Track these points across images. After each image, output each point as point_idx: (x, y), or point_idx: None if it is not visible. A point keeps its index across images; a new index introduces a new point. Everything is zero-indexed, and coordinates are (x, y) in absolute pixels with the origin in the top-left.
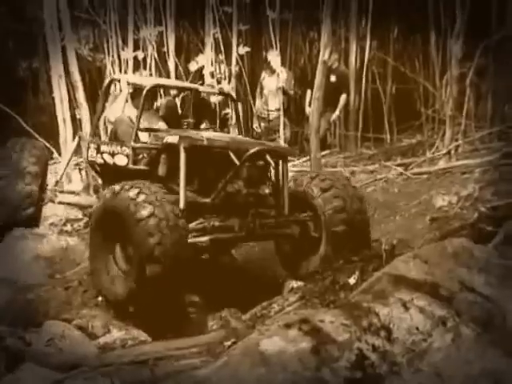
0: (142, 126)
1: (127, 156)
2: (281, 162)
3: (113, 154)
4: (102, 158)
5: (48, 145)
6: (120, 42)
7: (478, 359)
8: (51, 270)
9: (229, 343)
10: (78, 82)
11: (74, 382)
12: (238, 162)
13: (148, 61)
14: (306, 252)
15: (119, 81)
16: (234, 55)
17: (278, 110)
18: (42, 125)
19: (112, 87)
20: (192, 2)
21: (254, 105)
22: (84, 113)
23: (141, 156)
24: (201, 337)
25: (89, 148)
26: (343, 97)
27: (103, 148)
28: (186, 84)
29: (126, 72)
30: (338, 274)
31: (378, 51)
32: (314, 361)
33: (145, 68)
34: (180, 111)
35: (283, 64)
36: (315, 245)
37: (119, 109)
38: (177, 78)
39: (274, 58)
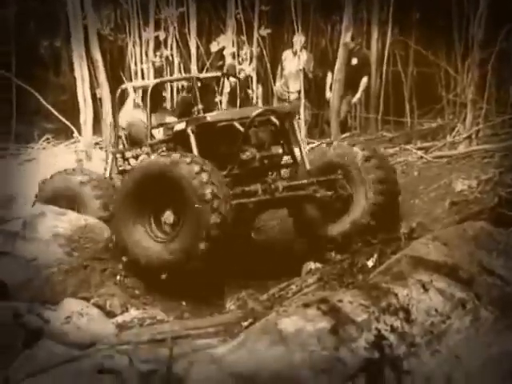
0: (153, 122)
1: (148, 154)
2: (287, 121)
3: (136, 157)
4: (129, 163)
5: (69, 123)
6: (141, 22)
7: (496, 342)
8: (70, 247)
9: (246, 323)
10: (99, 62)
11: (91, 359)
12: (242, 129)
13: (169, 41)
14: (332, 215)
15: (126, 88)
16: (256, 36)
17: (299, 91)
18: (63, 103)
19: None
20: None
21: (275, 85)
22: (105, 92)
23: (159, 151)
24: (218, 317)
25: (116, 159)
26: (364, 80)
27: (127, 154)
28: (186, 75)
29: (146, 53)
30: (357, 256)
31: (400, 35)
32: (333, 340)
33: (166, 48)
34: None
35: (305, 46)
36: (343, 208)
37: (129, 113)
38: (198, 58)
39: (296, 40)
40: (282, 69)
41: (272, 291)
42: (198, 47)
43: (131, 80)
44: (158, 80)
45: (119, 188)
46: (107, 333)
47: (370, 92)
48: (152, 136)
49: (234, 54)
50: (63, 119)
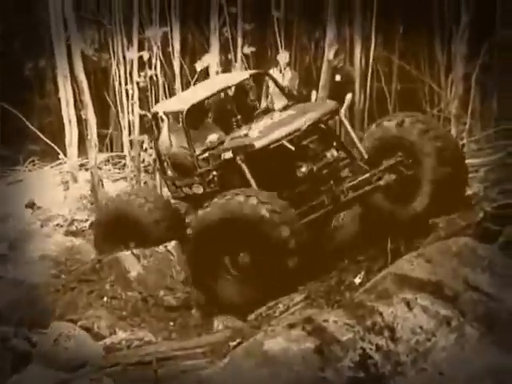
0: (197, 151)
1: (200, 184)
2: (333, 119)
3: (189, 186)
4: (182, 191)
5: (54, 145)
6: (125, 42)
7: (481, 359)
8: (57, 269)
9: (234, 343)
10: (84, 83)
11: (79, 382)
12: (293, 148)
13: (153, 61)
14: (407, 196)
15: (157, 113)
16: (240, 55)
17: (285, 107)
18: (48, 125)
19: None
20: (197, 1)
21: (260, 104)
22: (90, 113)
23: (210, 176)
24: (206, 337)
25: (167, 185)
26: (348, 96)
27: (178, 183)
28: (218, 87)
29: (130, 73)
30: (344, 273)
31: (383, 50)
32: (318, 360)
33: (150, 68)
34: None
35: (289, 64)
36: (415, 186)
37: (167, 140)
38: (182, 77)
39: (280, 58)
40: (267, 87)
41: (259, 310)
42: (182, 66)
43: (115, 102)
44: (190, 103)
45: (194, 229)
46: (95, 355)
47: (354, 108)
48: (199, 163)
49: (218, 72)
50: (48, 141)
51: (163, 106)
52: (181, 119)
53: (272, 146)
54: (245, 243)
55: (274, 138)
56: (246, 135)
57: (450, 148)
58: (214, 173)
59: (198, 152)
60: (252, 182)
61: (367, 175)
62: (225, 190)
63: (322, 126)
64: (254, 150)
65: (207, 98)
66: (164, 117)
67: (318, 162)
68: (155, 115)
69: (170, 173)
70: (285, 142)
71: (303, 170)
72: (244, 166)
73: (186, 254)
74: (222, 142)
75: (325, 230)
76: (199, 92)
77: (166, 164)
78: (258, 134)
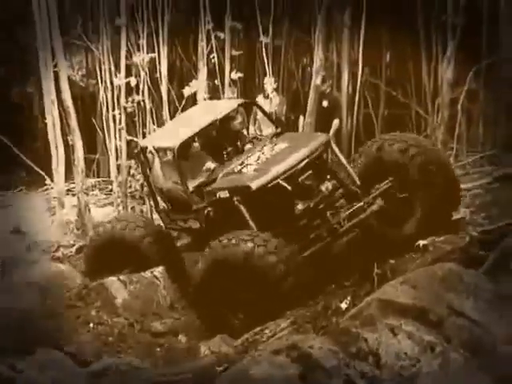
0: (190, 187)
1: (196, 219)
2: (325, 152)
3: (184, 221)
4: (177, 224)
5: (40, 170)
6: (113, 67)
7: None
8: (43, 296)
9: (221, 369)
10: (71, 108)
11: None
12: (289, 187)
13: (141, 86)
14: (400, 218)
15: (146, 148)
16: (227, 80)
17: (274, 135)
18: (35, 150)
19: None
20: (184, 27)
21: (248, 130)
22: (77, 139)
23: (206, 212)
24: (193, 362)
25: (160, 217)
26: (335, 122)
27: (173, 216)
28: (208, 120)
29: (118, 98)
30: (330, 298)
31: (370, 76)
32: None
33: (137, 93)
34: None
35: (276, 89)
36: (408, 209)
37: (160, 175)
38: (170, 103)
39: (268, 83)
40: (255, 113)
41: (246, 336)
42: (169, 92)
43: (102, 129)
44: (181, 140)
45: (195, 273)
46: (81, 382)
47: (341, 134)
48: (193, 199)
49: (205, 98)
50: (34, 166)
51: (152, 141)
52: (172, 156)
53: (269, 186)
54: (243, 281)
55: (270, 178)
56: (240, 172)
57: (443, 174)
58: (210, 209)
59: (191, 188)
60: (250, 221)
61: (361, 203)
62: (221, 226)
63: (316, 161)
64: (251, 192)
65: (196, 134)
66: (154, 152)
67: (314, 198)
68: (143, 150)
69: (163, 205)
70: (281, 181)
71: (300, 207)
72: (241, 207)
73: (191, 288)
74: (215, 179)
75: (324, 260)
76: (188, 124)
77: (158, 198)
78: (253, 172)
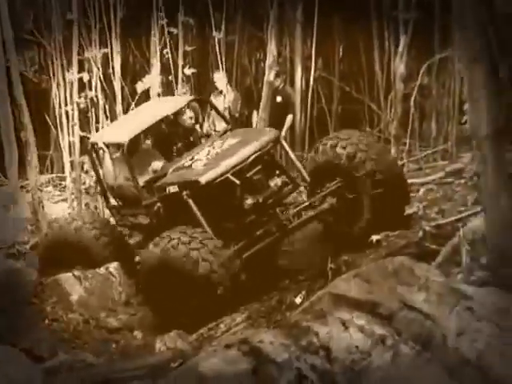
0: (140, 182)
1: (146, 214)
2: (274, 148)
3: (135, 216)
4: (128, 220)
5: None
6: (65, 63)
7: (417, 377)
8: None
9: (176, 364)
10: (23, 105)
11: None
12: (238, 182)
13: (93, 82)
14: (352, 216)
15: (97, 143)
16: (181, 76)
17: (225, 131)
18: None
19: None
20: (137, 23)
21: (202, 126)
22: (30, 135)
23: (156, 208)
24: (147, 358)
25: (111, 213)
26: (289, 117)
27: (123, 212)
28: (158, 117)
29: (71, 94)
30: (285, 293)
31: (323, 72)
32: (253, 381)
33: (90, 89)
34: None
35: (230, 85)
36: (357, 210)
37: (110, 170)
38: (123, 99)
39: (219, 78)
40: (209, 109)
41: (201, 331)
42: (122, 88)
43: (56, 123)
44: (131, 136)
45: (140, 266)
46: (36, 379)
47: (294, 129)
48: (143, 194)
49: (159, 94)
50: None
51: (103, 137)
52: (122, 152)
53: (217, 181)
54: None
55: (218, 173)
56: (189, 167)
57: (390, 175)
58: (159, 205)
59: (141, 183)
60: (199, 216)
61: (311, 200)
62: (171, 221)
63: (265, 156)
64: (200, 186)
65: (147, 129)
66: (104, 148)
67: (263, 193)
68: (94, 145)
69: (113, 201)
70: (230, 176)
71: (249, 202)
72: (190, 202)
73: (139, 282)
74: (165, 174)
75: (271, 255)
76: (138, 120)
77: (108, 194)
78: (203, 167)
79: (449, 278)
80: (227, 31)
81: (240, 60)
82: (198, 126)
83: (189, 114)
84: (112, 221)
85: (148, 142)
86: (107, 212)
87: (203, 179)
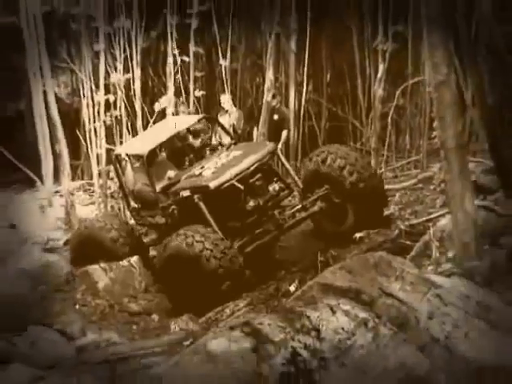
0: (157, 187)
1: (162, 215)
2: (272, 159)
3: (152, 217)
4: (146, 220)
5: (32, 175)
6: (93, 86)
7: (393, 354)
8: (34, 282)
9: (187, 343)
10: (57, 121)
11: (53, 379)
12: (241, 187)
13: (118, 103)
14: (338, 217)
15: (120, 155)
16: (192, 97)
17: (230, 144)
18: (27, 158)
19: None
20: (155, 52)
21: (210, 140)
22: (63, 147)
23: (171, 210)
24: (163, 338)
25: (131, 214)
26: (284, 132)
27: (142, 213)
28: (172, 133)
29: (99, 114)
30: (281, 282)
31: (313, 94)
32: (254, 358)
33: (115, 108)
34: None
35: (234, 105)
36: (342, 212)
37: (131, 178)
38: (143, 117)
39: (225, 100)
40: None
41: (209, 315)
42: (142, 107)
43: (85, 139)
44: (149, 148)
45: (157, 259)
46: (68, 355)
47: (289, 143)
48: (159, 198)
49: (173, 113)
50: (27, 171)
51: (125, 149)
52: (141, 162)
53: (224, 186)
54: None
55: (225, 179)
56: (200, 175)
57: (366, 178)
58: (174, 207)
59: (158, 189)
60: (208, 216)
61: (303, 204)
62: (184, 221)
63: (264, 166)
64: (209, 191)
65: (162, 143)
66: (127, 158)
67: (263, 196)
68: (118, 156)
69: (133, 204)
70: (235, 182)
71: (251, 204)
72: (201, 204)
73: (156, 272)
74: (178, 181)
75: (270, 250)
76: (155, 135)
77: (129, 198)
78: (211, 174)
79: (421, 269)
80: (232, 59)
81: (243, 84)
82: (206, 141)
83: (199, 129)
84: (131, 222)
85: (163, 154)
86: (128, 214)
87: (212, 185)
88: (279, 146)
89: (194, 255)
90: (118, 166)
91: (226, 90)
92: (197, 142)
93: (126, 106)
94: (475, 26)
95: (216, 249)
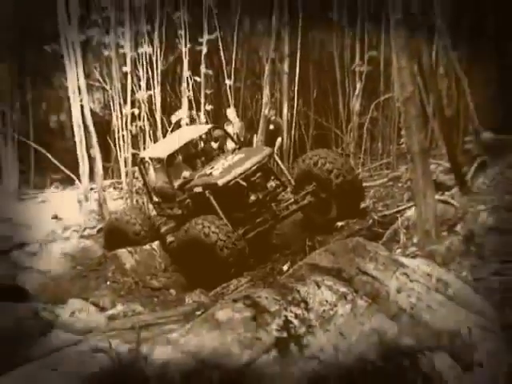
0: (175, 184)
1: (179, 207)
2: (269, 160)
3: (171, 208)
4: (165, 211)
5: (72, 175)
6: (122, 102)
7: (368, 322)
8: (73, 263)
9: (199, 313)
10: (92, 131)
11: (89, 342)
12: (244, 184)
13: (142, 115)
14: (324, 209)
15: (144, 158)
16: (203, 111)
17: (234, 149)
18: (68, 161)
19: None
20: (172, 73)
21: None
22: (96, 152)
23: (186, 203)
24: (179, 309)
25: (154, 207)
26: (279, 139)
27: (162, 206)
28: (187, 139)
29: (126, 124)
30: (276, 263)
31: (303, 108)
32: (254, 325)
33: (139, 120)
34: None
35: (237, 117)
36: (327, 205)
37: (153, 177)
38: (162, 126)
39: (230, 113)
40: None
41: (217, 289)
42: (162, 119)
43: (115, 145)
44: (168, 153)
45: (176, 242)
46: (100, 322)
47: (283, 148)
48: (177, 194)
49: (187, 123)
50: (68, 172)
51: (148, 153)
52: (162, 164)
53: (230, 183)
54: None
55: (231, 177)
56: (210, 174)
57: (349, 180)
58: (188, 200)
59: (175, 186)
60: (217, 208)
61: (295, 198)
62: (197, 212)
63: (263, 166)
64: (218, 187)
65: (179, 148)
66: (149, 161)
67: (262, 192)
68: (142, 159)
69: (155, 198)
70: (239, 180)
71: (252, 198)
72: (211, 198)
73: (172, 254)
74: (192, 179)
75: (267, 236)
76: (173, 142)
77: (152, 193)
78: (219, 174)
79: (391, 252)
80: (235, 79)
81: (244, 100)
82: (215, 146)
83: (209, 137)
84: (152, 214)
85: (179, 157)
86: (150, 206)
87: (220, 182)
88: (275, 150)
89: (210, 243)
90: (142, 167)
91: (230, 104)
92: (215, 145)
93: (148, 118)
94: (435, 52)
95: (228, 240)
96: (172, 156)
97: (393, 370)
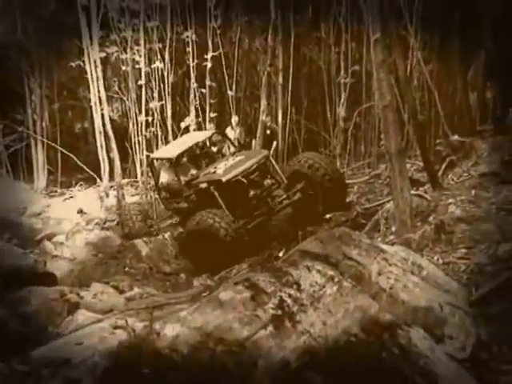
0: (182, 182)
1: (185, 202)
2: (267, 161)
3: (177, 203)
4: (173, 205)
5: (94, 174)
6: (137, 111)
7: (352, 301)
8: (96, 251)
9: (205, 294)
10: (111, 136)
11: (109, 321)
12: (245, 181)
13: (154, 122)
14: (313, 203)
15: (155, 158)
16: (208, 118)
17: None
18: (90, 162)
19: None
20: (181, 85)
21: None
22: (115, 154)
23: (192, 197)
24: (188, 291)
25: (162, 201)
26: (274, 143)
27: (170, 200)
28: (193, 141)
29: (141, 130)
30: (272, 250)
31: (295, 115)
32: (252, 304)
33: (153, 126)
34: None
35: (238, 123)
36: (315, 200)
37: (163, 175)
38: (173, 132)
39: (234, 120)
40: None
41: (221, 274)
42: (172, 125)
43: (131, 148)
44: (177, 153)
45: (183, 236)
46: (119, 303)
47: (277, 150)
48: (183, 190)
49: (194, 129)
50: (90, 172)
51: (159, 154)
52: (171, 163)
53: (232, 180)
54: (207, 240)
55: (233, 175)
56: (214, 172)
57: (334, 178)
58: (193, 196)
59: (183, 183)
60: (220, 202)
61: (287, 194)
62: (202, 206)
63: (261, 166)
64: (222, 183)
65: (186, 150)
66: (160, 161)
67: (260, 188)
68: (153, 160)
69: (163, 194)
70: (240, 177)
71: (252, 193)
72: (215, 193)
73: (182, 243)
74: (198, 176)
75: (265, 227)
76: (181, 144)
77: (161, 189)
78: (223, 172)
79: (372, 240)
80: (236, 90)
81: (244, 108)
82: (215, 149)
83: (213, 141)
84: (161, 207)
85: (186, 158)
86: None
87: (224, 179)
88: (271, 152)
89: (216, 231)
90: (152, 166)
91: (232, 112)
92: (214, 149)
93: (160, 125)
94: (410, 66)
95: (231, 228)
96: (180, 156)
97: (374, 342)
